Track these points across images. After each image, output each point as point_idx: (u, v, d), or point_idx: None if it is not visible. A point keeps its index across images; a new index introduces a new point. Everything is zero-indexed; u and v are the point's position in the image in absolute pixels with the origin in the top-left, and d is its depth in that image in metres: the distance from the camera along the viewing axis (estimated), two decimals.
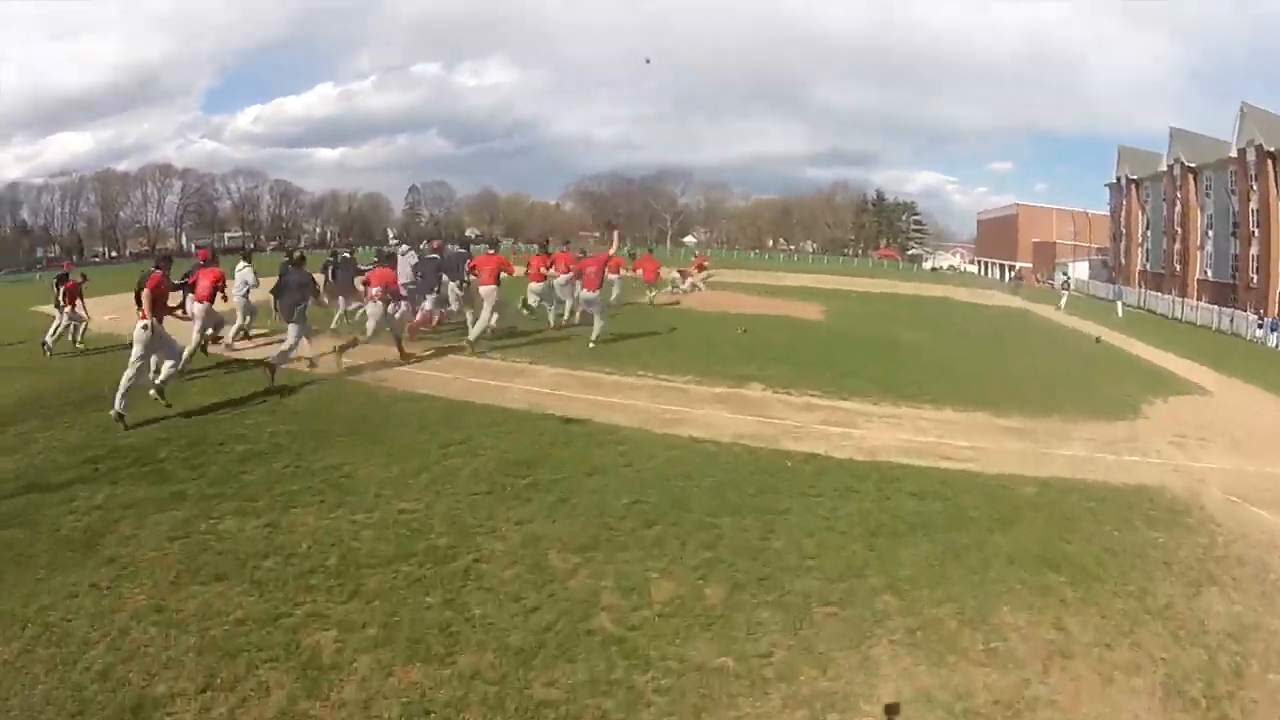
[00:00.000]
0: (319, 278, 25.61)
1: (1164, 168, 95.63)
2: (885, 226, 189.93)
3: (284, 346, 21.03)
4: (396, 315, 24.16)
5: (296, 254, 23.63)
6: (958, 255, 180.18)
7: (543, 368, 23.60)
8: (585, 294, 28.41)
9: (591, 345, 26.62)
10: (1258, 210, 76.11)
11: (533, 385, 21.18)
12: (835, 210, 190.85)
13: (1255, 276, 76.19)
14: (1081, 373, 30.00)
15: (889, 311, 47.31)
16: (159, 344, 17.33)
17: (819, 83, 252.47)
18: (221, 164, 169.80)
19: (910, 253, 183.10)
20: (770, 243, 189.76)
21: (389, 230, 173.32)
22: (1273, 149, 73.06)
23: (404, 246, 30.62)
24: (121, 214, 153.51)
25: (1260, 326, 61.16)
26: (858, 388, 22.82)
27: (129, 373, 16.61)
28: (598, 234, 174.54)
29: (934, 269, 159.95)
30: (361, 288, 25.62)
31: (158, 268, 17.67)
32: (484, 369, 23.14)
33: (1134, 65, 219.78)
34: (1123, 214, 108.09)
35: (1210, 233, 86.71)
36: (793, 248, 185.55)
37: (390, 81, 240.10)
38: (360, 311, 27.11)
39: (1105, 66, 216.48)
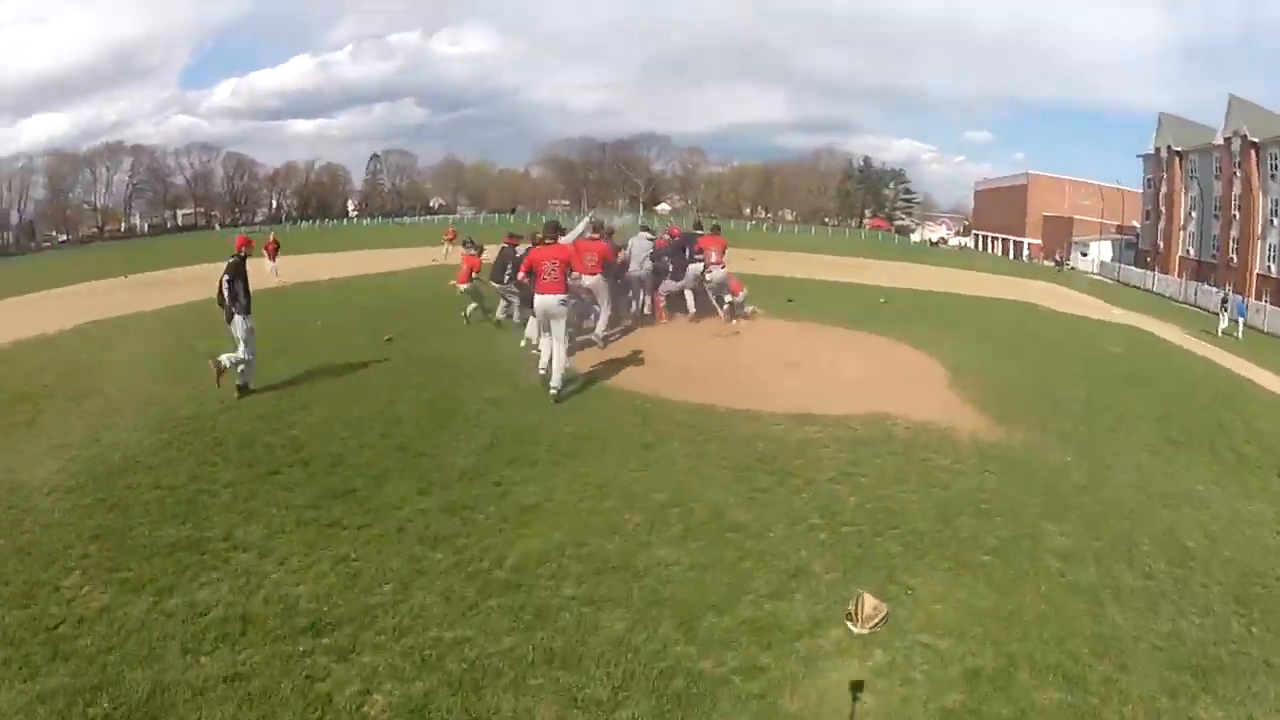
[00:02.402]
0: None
1: (1219, 140, 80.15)
2: (871, 195, 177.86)
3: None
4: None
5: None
6: (944, 226, 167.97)
7: None
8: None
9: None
10: None
11: None
12: (819, 177, 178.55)
13: None
14: None
15: (1044, 368, 26.39)
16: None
17: (799, 49, 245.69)
18: (197, 139, 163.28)
19: (898, 224, 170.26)
20: (748, 211, 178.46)
21: (349, 201, 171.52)
22: None
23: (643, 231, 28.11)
24: (71, 195, 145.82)
25: None
26: None
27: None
28: (565, 202, 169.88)
29: (932, 243, 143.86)
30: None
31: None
32: None
33: (1119, 37, 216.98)
34: (1161, 190, 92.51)
35: (1276, 220, 72.89)
36: (772, 216, 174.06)
37: (367, 51, 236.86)
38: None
39: (1090, 36, 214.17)
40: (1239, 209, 78.19)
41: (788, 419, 16.92)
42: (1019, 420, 18.60)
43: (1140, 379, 27.20)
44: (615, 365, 21.03)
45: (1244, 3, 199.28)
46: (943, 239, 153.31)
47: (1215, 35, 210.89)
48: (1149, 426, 20.32)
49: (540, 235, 19.67)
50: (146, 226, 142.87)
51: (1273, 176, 74.29)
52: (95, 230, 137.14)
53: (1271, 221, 74.01)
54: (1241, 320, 50.67)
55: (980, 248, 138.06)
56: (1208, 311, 63.88)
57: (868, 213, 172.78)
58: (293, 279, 40.94)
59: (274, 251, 41.85)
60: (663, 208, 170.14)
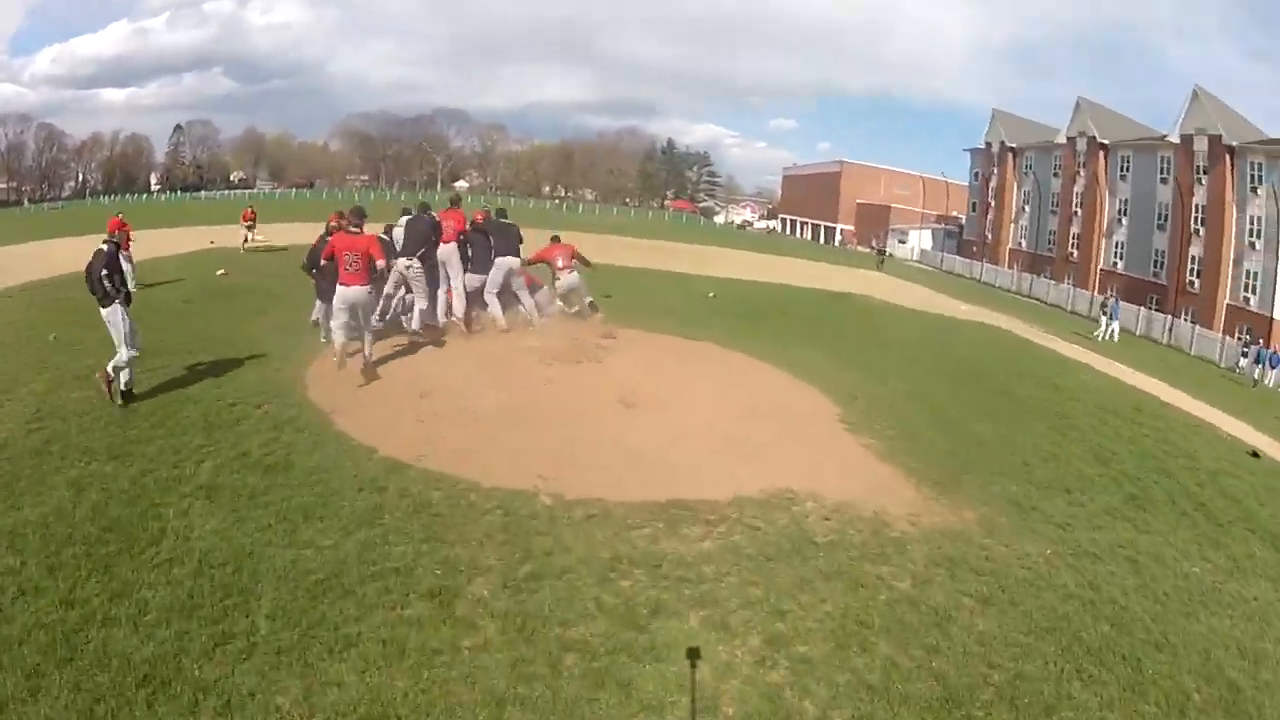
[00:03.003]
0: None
1: (1063, 139, 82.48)
2: (674, 177, 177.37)
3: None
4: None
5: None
6: (748, 209, 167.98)
7: None
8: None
9: None
10: (1204, 206, 65.10)
11: None
12: (620, 158, 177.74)
13: (1197, 281, 65.33)
14: None
15: (933, 389, 22.61)
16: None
17: (606, 31, 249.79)
18: (21, 108, 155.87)
19: (702, 205, 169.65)
20: (548, 189, 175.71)
21: (152, 175, 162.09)
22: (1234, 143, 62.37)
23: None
24: None
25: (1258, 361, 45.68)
26: None
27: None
28: (364, 177, 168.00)
29: (738, 226, 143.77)
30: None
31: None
32: None
33: (933, 34, 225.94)
34: (991, 183, 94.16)
35: (1123, 220, 74.84)
36: (571, 195, 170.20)
37: (182, 18, 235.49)
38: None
39: (903, 32, 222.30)
40: (1081, 206, 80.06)
41: (650, 513, 11.79)
42: (956, 485, 14.47)
43: (1052, 405, 23.53)
44: (393, 412, 15.55)
45: (1059, 8, 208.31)
46: (747, 222, 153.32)
47: (1029, 37, 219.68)
48: (1096, 477, 16.88)
49: (342, 221, 18.36)
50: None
51: (1122, 177, 76.12)
52: None
53: (1119, 220, 75.93)
54: (1117, 324, 48.93)
55: (789, 232, 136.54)
56: (1043, 303, 67.22)
57: (669, 194, 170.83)
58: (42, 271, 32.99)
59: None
60: (460, 185, 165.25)
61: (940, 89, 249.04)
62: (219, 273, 32.82)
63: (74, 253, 41.30)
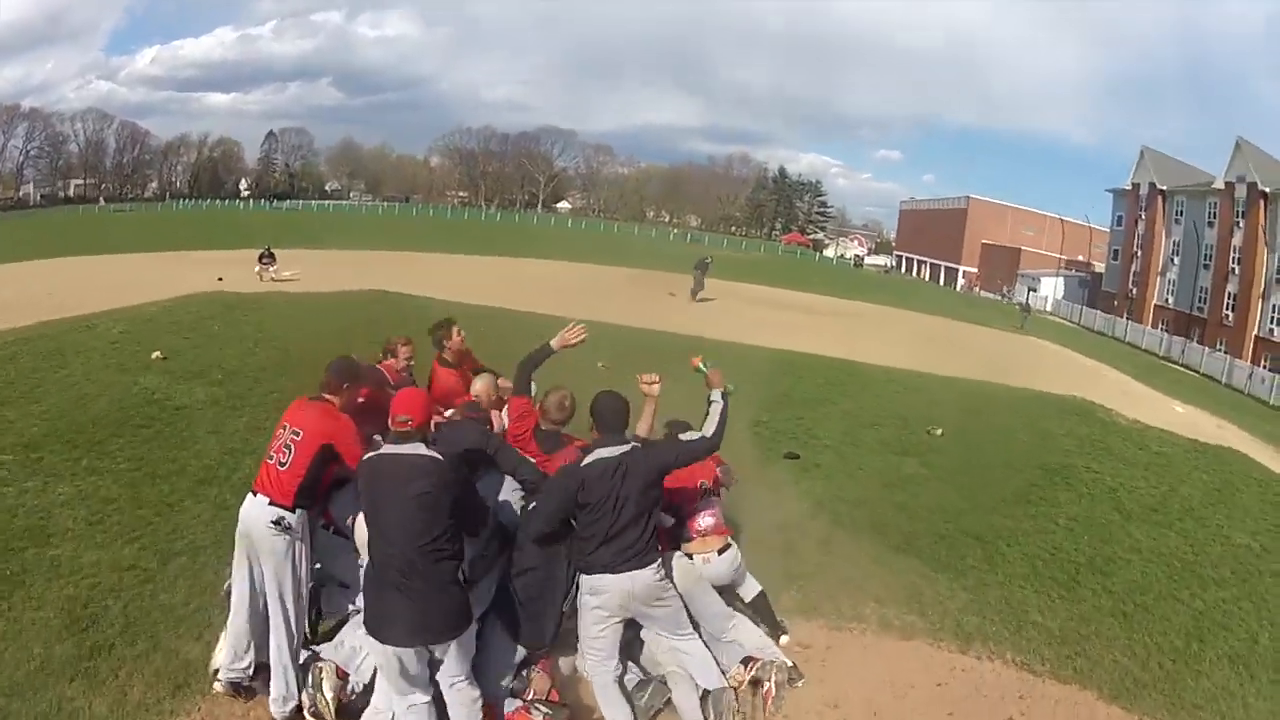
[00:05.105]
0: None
1: (1221, 184, 71.52)
2: (784, 207, 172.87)
3: None
4: None
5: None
6: (856, 242, 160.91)
7: None
8: None
9: None
10: None
11: None
12: (729, 184, 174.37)
13: None
14: None
15: None
16: None
17: (719, 58, 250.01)
18: (115, 106, 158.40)
19: (813, 238, 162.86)
20: (650, 214, 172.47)
21: (241, 181, 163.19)
22: None
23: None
24: None
25: None
26: None
27: None
28: (463, 194, 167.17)
29: (855, 264, 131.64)
30: None
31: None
32: None
33: (1046, 67, 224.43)
34: (1138, 230, 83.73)
35: None
36: (676, 221, 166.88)
37: (290, 27, 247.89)
38: None
39: (1015, 65, 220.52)
40: (1239, 262, 69.30)
41: None
42: None
43: None
44: None
45: (1172, 43, 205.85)
46: (859, 258, 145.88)
47: (1144, 71, 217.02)
48: None
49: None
50: (39, 196, 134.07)
51: None
52: None
53: (1277, 280, 65.18)
54: None
55: (905, 271, 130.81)
56: (1195, 372, 57.06)
57: (779, 225, 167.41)
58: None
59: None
60: (563, 206, 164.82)
61: (1049, 124, 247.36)
62: (154, 356, 19.52)
63: (130, 278, 32.99)
